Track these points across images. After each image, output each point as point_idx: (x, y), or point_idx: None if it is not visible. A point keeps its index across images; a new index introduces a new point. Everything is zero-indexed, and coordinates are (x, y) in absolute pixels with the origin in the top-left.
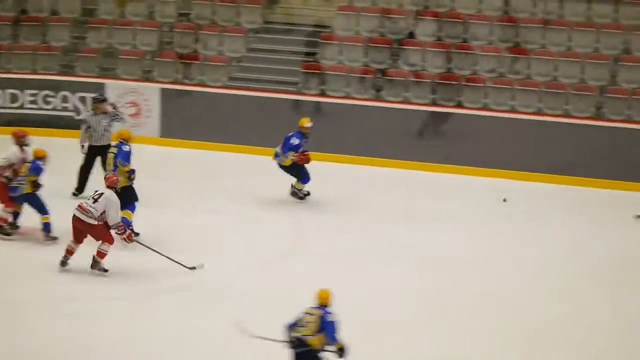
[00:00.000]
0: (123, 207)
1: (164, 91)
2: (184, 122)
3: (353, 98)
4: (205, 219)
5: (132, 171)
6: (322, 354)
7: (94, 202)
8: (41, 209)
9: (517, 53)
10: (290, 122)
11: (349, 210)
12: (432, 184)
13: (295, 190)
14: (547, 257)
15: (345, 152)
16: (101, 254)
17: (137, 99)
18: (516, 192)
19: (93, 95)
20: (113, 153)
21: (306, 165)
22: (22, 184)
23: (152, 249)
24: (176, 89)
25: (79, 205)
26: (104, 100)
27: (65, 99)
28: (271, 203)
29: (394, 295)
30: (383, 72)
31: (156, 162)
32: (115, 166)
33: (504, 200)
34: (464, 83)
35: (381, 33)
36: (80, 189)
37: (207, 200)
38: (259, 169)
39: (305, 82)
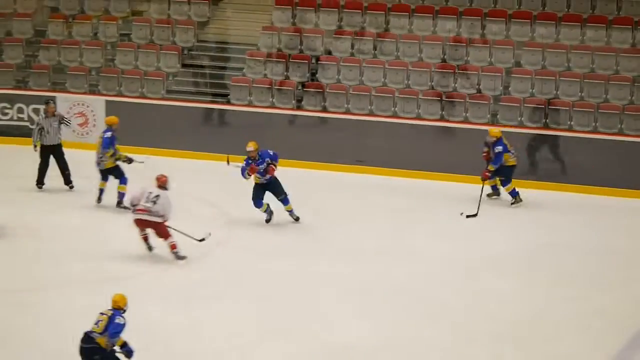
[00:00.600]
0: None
1: (108, 103)
2: (127, 130)
3: (276, 107)
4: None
5: (114, 153)
6: (111, 354)
7: (153, 205)
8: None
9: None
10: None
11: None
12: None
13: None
14: None
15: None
16: (174, 246)
17: (84, 110)
18: None
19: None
20: (100, 138)
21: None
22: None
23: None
24: (119, 101)
25: (139, 210)
26: (52, 102)
27: (20, 110)
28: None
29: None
30: (303, 85)
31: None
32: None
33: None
34: (374, 94)
35: (300, 50)
36: (40, 181)
37: None
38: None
39: (234, 95)
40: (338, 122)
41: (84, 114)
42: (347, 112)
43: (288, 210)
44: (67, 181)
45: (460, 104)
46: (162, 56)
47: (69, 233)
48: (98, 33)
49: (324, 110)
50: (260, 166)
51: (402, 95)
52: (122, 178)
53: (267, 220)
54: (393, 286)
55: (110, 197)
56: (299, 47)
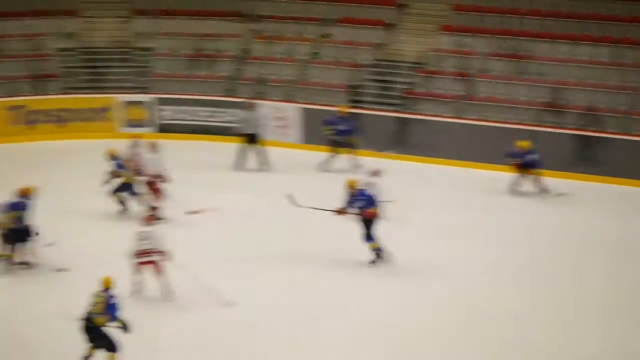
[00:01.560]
0: None
1: (303, 110)
2: (318, 133)
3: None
4: None
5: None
6: (108, 329)
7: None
8: None
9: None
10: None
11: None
12: None
13: None
14: None
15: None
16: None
17: (283, 115)
18: None
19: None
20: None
21: None
22: None
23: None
24: (310, 108)
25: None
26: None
27: (230, 114)
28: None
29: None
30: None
31: (298, 162)
32: None
33: None
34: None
35: (460, 68)
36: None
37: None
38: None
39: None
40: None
41: (283, 118)
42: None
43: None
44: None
45: None
46: (346, 72)
47: None
48: (293, 52)
49: (483, 119)
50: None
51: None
52: None
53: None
54: None
55: None
56: (459, 66)
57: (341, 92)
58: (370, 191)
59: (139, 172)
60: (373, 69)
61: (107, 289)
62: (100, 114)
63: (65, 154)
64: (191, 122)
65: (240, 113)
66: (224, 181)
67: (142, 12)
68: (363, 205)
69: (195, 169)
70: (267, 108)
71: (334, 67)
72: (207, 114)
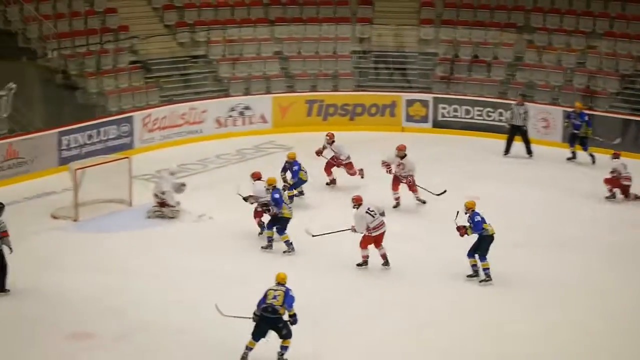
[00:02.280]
0: None
1: (565, 112)
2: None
3: None
4: None
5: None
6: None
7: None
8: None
9: None
10: None
11: None
12: None
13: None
14: None
15: None
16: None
17: (547, 117)
18: None
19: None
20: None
21: None
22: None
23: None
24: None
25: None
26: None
27: (500, 114)
28: None
29: None
30: None
31: (560, 160)
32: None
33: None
34: None
35: None
36: (507, 151)
37: None
38: None
39: None
40: None
41: (547, 120)
42: None
43: None
44: (528, 151)
45: None
46: (608, 80)
47: None
48: (561, 60)
49: None
50: None
51: None
52: None
53: None
54: None
55: None
56: None
57: (604, 99)
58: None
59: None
60: (633, 79)
61: (283, 283)
62: (387, 109)
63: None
64: (466, 120)
65: (511, 107)
66: (490, 172)
67: (427, 22)
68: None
69: (465, 160)
70: (533, 109)
71: (598, 75)
72: (481, 113)
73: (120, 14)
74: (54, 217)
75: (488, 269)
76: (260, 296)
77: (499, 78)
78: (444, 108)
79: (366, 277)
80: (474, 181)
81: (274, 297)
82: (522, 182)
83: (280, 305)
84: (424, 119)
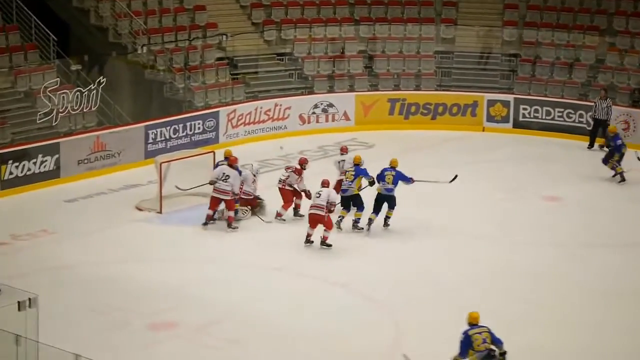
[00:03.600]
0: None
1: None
2: None
3: None
4: None
5: (373, 180)
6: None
7: (318, 197)
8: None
9: None
10: None
11: None
12: None
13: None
14: None
15: None
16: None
17: (627, 119)
18: None
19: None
20: (351, 172)
21: None
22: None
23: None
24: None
25: (314, 206)
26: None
27: (581, 116)
28: None
29: None
30: None
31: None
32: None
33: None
34: None
35: None
36: (590, 144)
37: None
38: None
39: None
40: None
41: (627, 122)
42: None
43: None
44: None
45: None
46: None
47: None
48: None
49: None
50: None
51: None
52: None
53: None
54: None
55: None
56: None
57: None
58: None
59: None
60: None
61: (476, 324)
62: (468, 109)
63: (433, 143)
64: (546, 121)
65: (595, 101)
66: (571, 172)
67: (510, 23)
68: None
69: (546, 160)
70: (614, 112)
71: None
72: (562, 114)
73: (209, 11)
74: (139, 209)
75: None
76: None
77: (581, 80)
78: (524, 109)
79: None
80: (553, 181)
81: (484, 341)
82: (601, 183)
83: (493, 346)
84: (505, 119)
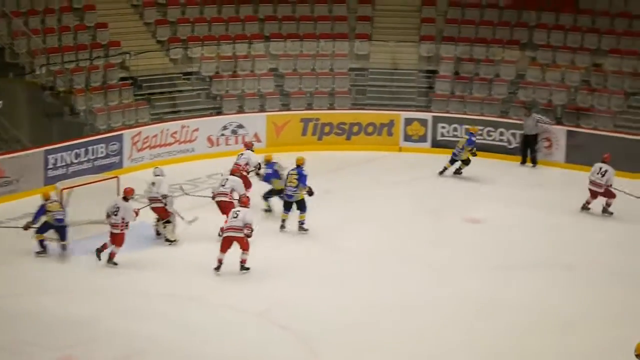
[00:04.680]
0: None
1: (568, 132)
2: (580, 153)
3: None
4: None
5: (310, 189)
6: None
7: (235, 218)
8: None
9: None
10: None
11: None
12: None
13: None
14: None
15: None
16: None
17: (550, 136)
18: None
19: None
20: (294, 176)
21: None
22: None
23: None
24: (577, 131)
25: (230, 228)
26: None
27: (501, 133)
28: None
29: None
30: None
31: (563, 180)
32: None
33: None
34: None
35: None
36: (523, 161)
37: None
38: None
39: None
40: None
41: (550, 140)
42: None
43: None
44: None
45: None
46: (613, 98)
47: None
48: (564, 78)
49: None
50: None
51: None
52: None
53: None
54: None
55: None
56: None
57: (607, 117)
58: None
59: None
60: (638, 97)
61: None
62: (384, 128)
63: (348, 164)
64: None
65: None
66: (491, 193)
67: (427, 38)
68: None
69: (467, 180)
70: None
71: (600, 94)
72: (482, 132)
73: (111, 29)
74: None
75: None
76: None
77: (501, 96)
78: (443, 127)
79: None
80: (474, 202)
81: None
82: (523, 203)
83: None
84: (423, 139)
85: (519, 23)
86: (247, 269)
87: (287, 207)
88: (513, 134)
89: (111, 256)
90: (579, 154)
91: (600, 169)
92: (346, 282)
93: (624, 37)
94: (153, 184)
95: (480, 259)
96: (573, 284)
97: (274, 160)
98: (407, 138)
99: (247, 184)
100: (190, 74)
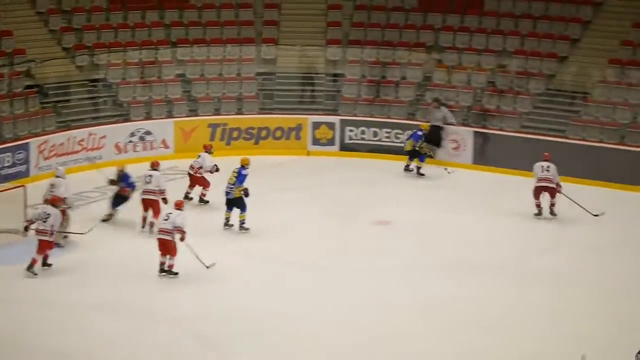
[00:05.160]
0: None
1: (475, 133)
2: (487, 154)
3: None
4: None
5: (246, 190)
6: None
7: (166, 220)
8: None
9: None
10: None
11: None
12: None
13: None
14: None
15: None
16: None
17: (457, 138)
18: None
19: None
20: (234, 174)
21: None
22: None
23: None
24: (483, 132)
25: (161, 230)
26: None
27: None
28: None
29: None
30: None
31: (471, 181)
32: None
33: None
34: None
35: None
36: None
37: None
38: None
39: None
40: None
41: (457, 141)
42: None
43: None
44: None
45: None
46: (519, 100)
47: None
48: (471, 80)
49: None
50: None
51: None
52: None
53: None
54: None
55: None
56: (624, 96)
57: (514, 118)
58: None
59: None
60: (543, 98)
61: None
62: (292, 133)
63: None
64: (373, 142)
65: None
66: (401, 195)
67: (334, 42)
68: None
69: (373, 184)
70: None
71: (506, 95)
72: (389, 135)
73: (16, 37)
74: None
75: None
76: None
77: (408, 99)
78: (351, 130)
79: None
80: (383, 205)
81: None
82: (431, 204)
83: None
84: (331, 142)
85: (424, 26)
86: (175, 273)
87: (228, 205)
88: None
89: (32, 263)
90: (486, 155)
91: (543, 166)
92: (255, 288)
93: (528, 38)
94: (52, 185)
95: (391, 261)
96: (483, 283)
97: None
98: (315, 142)
99: (205, 184)
100: (96, 80)
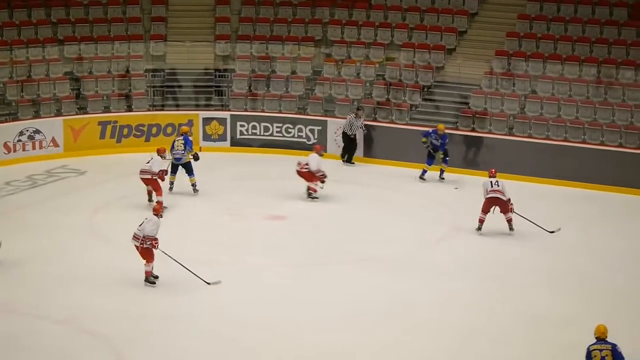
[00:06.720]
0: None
1: (365, 126)
2: (377, 146)
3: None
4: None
5: (196, 154)
6: None
7: (140, 225)
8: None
9: None
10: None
11: None
12: None
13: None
14: None
15: None
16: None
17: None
18: None
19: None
20: (180, 141)
21: None
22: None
23: (174, 260)
24: (372, 125)
25: (134, 236)
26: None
27: (300, 130)
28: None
29: None
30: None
31: (361, 173)
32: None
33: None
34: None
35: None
36: (348, 159)
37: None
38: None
39: (460, 122)
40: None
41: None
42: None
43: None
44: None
45: None
46: (408, 92)
47: None
48: (360, 73)
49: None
50: None
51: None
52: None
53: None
54: None
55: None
56: (512, 88)
57: (403, 111)
58: None
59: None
60: (432, 90)
61: (605, 339)
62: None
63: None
64: (264, 137)
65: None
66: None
67: (223, 37)
68: None
69: (267, 178)
70: (333, 125)
71: (398, 87)
72: (280, 130)
73: None
74: None
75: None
76: None
77: (298, 93)
78: (242, 126)
79: None
80: (276, 200)
81: (602, 359)
82: (324, 198)
83: None
84: (223, 138)
85: (313, 20)
86: (152, 282)
87: (174, 169)
88: (311, 130)
89: None
90: (376, 148)
91: (492, 182)
92: (144, 288)
93: (415, 30)
94: None
95: (286, 256)
96: (384, 276)
97: None
98: (207, 137)
99: (157, 189)
100: None
